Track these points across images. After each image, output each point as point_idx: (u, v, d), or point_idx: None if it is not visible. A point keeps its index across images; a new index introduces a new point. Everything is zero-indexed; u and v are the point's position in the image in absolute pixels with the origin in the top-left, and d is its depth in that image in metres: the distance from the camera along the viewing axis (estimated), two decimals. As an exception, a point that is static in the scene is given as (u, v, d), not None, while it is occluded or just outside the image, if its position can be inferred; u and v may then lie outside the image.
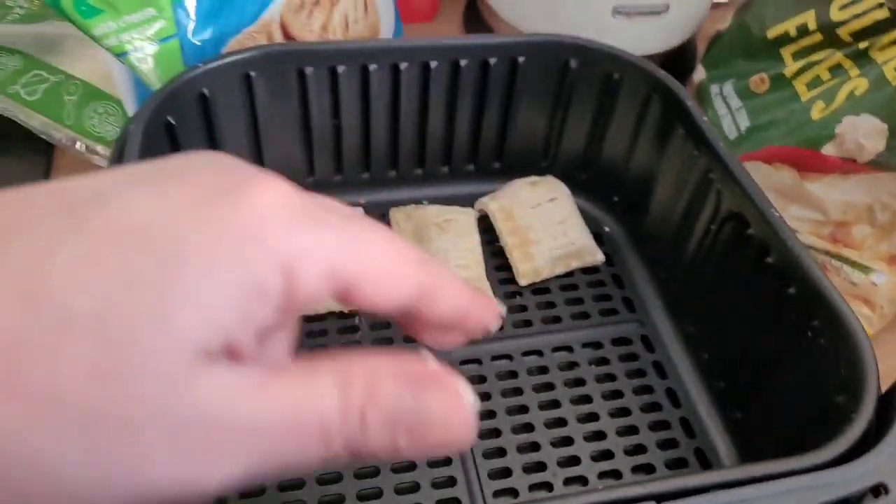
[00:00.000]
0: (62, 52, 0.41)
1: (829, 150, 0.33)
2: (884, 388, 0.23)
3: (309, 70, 0.33)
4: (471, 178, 0.39)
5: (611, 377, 0.33)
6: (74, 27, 0.37)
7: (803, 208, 0.35)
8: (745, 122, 0.37)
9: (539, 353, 0.34)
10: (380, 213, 0.39)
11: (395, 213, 0.38)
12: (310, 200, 0.15)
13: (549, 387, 0.33)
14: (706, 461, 0.31)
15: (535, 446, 0.31)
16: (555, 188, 0.38)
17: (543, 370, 0.33)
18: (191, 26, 0.34)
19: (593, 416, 0.32)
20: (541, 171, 0.39)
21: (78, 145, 0.39)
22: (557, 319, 0.35)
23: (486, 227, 0.38)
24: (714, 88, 0.40)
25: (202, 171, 0.14)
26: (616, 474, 0.30)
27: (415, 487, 0.29)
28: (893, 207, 0.33)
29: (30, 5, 0.43)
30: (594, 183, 0.39)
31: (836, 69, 0.35)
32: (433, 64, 0.34)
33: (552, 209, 0.37)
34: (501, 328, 0.35)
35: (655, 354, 0.34)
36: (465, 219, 0.37)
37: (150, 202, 0.13)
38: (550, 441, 0.31)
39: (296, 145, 0.36)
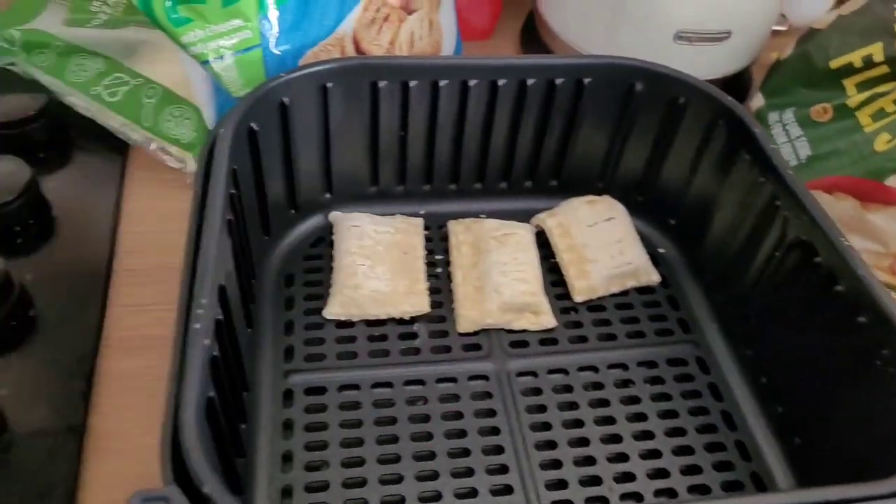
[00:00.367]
0: (140, 56, 0.43)
1: (892, 181, 0.34)
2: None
3: (382, 84, 0.35)
4: (528, 194, 0.40)
5: (666, 397, 0.34)
6: (152, 34, 0.39)
7: (864, 239, 0.35)
8: (805, 151, 0.38)
9: (594, 369, 0.34)
10: (438, 225, 0.40)
11: (454, 226, 0.39)
12: None
13: (605, 403, 0.33)
14: (762, 485, 0.31)
15: (590, 460, 0.31)
16: (612, 208, 0.38)
17: (598, 386, 0.34)
18: (273, 38, 0.35)
19: (649, 435, 0.32)
20: (597, 192, 0.40)
21: (153, 146, 0.41)
22: (612, 337, 0.36)
23: (542, 243, 0.39)
24: (773, 116, 0.40)
25: None
26: (671, 493, 0.30)
27: (473, 493, 0.30)
28: (956, 241, 0.33)
29: (113, 11, 0.45)
30: (650, 205, 0.40)
31: (901, 102, 0.35)
32: (501, 82, 0.35)
33: (610, 228, 0.38)
34: (557, 342, 0.35)
35: (711, 376, 0.34)
36: (523, 233, 0.38)
37: None
38: (606, 456, 0.31)
39: (362, 155, 0.38)
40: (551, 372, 0.34)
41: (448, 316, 0.36)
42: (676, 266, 0.39)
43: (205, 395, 0.24)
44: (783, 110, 0.40)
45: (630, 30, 0.41)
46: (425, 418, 0.32)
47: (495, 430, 0.32)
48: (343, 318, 0.35)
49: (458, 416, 0.32)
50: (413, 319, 0.35)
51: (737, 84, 0.46)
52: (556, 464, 0.31)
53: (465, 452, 0.31)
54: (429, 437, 0.31)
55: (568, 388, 0.33)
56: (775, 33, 0.45)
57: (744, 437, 0.32)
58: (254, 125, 0.32)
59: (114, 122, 0.41)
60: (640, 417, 0.33)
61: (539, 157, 0.39)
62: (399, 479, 0.30)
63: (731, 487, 0.31)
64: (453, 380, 0.33)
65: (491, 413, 0.32)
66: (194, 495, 0.21)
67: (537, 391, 0.33)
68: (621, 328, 0.36)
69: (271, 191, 0.35)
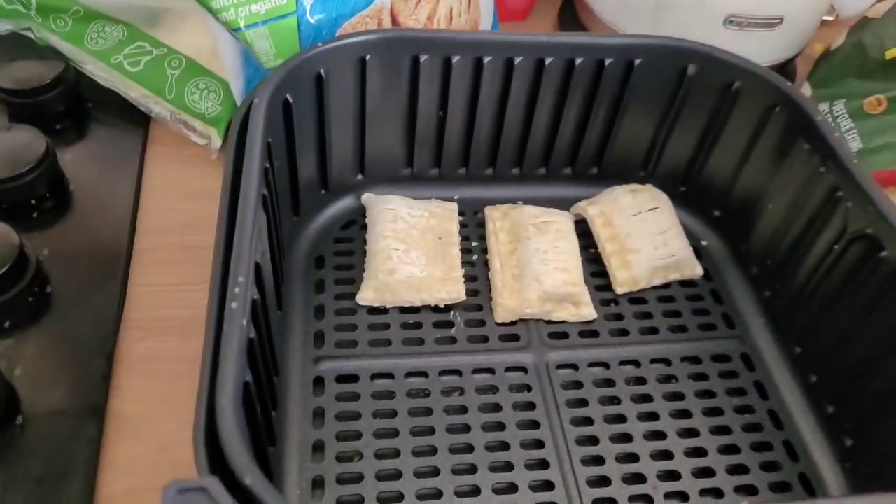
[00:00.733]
0: (163, 25, 0.41)
1: (951, 177, 0.32)
2: None
3: (424, 58, 0.33)
4: (567, 181, 0.39)
5: (710, 394, 0.32)
6: (176, 0, 0.38)
7: (919, 235, 0.33)
8: (856, 144, 0.36)
9: (636, 363, 0.33)
10: (473, 211, 0.38)
11: (492, 211, 0.37)
12: None
13: (648, 398, 0.32)
14: (810, 487, 0.30)
15: (633, 457, 0.30)
16: (656, 197, 0.37)
17: (641, 381, 0.32)
18: (309, 5, 0.34)
19: (693, 432, 0.31)
20: (639, 181, 0.38)
21: (175, 120, 0.39)
22: (654, 331, 0.34)
23: (581, 232, 0.37)
24: (822, 108, 0.39)
25: None
26: (717, 493, 0.29)
27: (512, 488, 0.28)
28: None
29: (134, -22, 0.43)
30: (694, 196, 0.38)
31: (959, 95, 0.34)
32: (548, 61, 0.34)
33: (653, 218, 0.36)
34: (598, 335, 0.34)
35: (756, 373, 0.33)
36: (564, 221, 0.36)
37: None
38: (650, 453, 0.30)
39: (398, 135, 0.36)
40: (592, 365, 0.33)
41: (485, 305, 0.34)
42: (720, 259, 0.37)
43: (241, 379, 0.22)
44: (833, 102, 0.38)
45: (678, 11, 0.40)
46: (462, 410, 0.30)
47: (535, 424, 0.30)
48: (377, 305, 0.33)
49: (497, 408, 0.31)
50: (448, 307, 0.34)
51: (781, 75, 0.45)
52: (598, 460, 0.30)
53: (504, 446, 0.29)
54: (466, 429, 0.30)
55: (609, 383, 0.32)
56: (822, 24, 0.44)
57: (791, 437, 0.31)
58: (289, 97, 0.31)
59: (135, 93, 0.40)
60: (684, 414, 0.31)
61: (581, 143, 0.37)
62: (435, 472, 0.28)
63: (779, 488, 0.30)
64: (491, 371, 0.32)
65: (530, 406, 0.31)
66: (231, 486, 0.19)
67: (578, 384, 0.32)
68: (663, 321, 0.35)
69: (303, 169, 0.34)
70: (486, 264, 0.36)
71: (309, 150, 0.34)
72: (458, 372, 0.32)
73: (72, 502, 0.26)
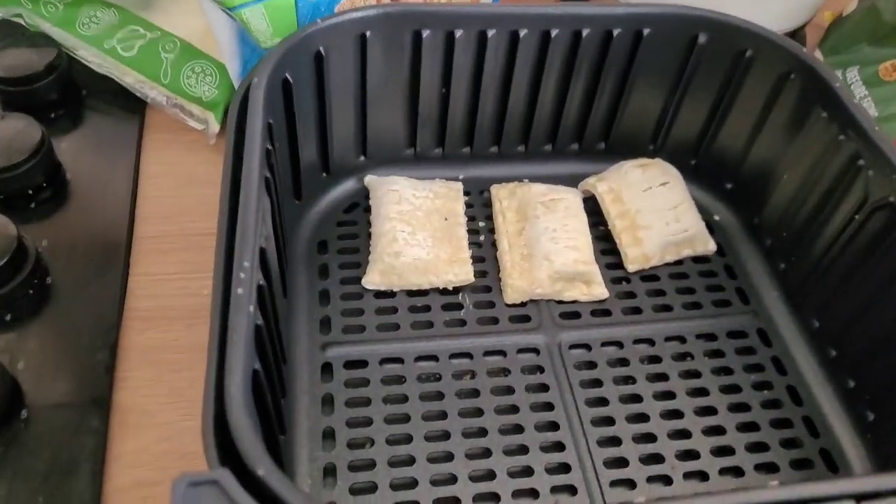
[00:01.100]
0: (155, 7, 0.40)
1: (972, 142, 0.31)
2: None
3: (426, 33, 0.32)
4: (574, 157, 0.38)
5: (727, 371, 0.32)
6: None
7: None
8: (871, 112, 0.35)
9: (650, 341, 0.32)
10: (479, 190, 0.37)
11: (498, 190, 0.36)
12: None
13: (663, 377, 0.31)
14: (832, 463, 0.29)
15: (650, 437, 0.29)
16: (667, 171, 0.36)
17: (656, 359, 0.32)
18: (306, -18, 0.32)
19: (711, 410, 0.30)
20: (647, 155, 0.38)
21: (172, 105, 0.38)
22: (668, 308, 0.34)
23: (590, 210, 0.36)
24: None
25: None
26: (738, 471, 0.29)
27: (528, 471, 0.28)
28: None
29: (124, -41, 0.42)
30: (705, 169, 0.37)
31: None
32: (554, 32, 0.33)
33: (664, 193, 0.35)
34: (610, 314, 0.33)
35: (773, 349, 0.32)
36: (572, 198, 0.35)
37: None
38: (667, 433, 0.29)
39: (401, 114, 0.35)
40: (605, 345, 0.32)
41: (493, 286, 0.34)
42: (733, 233, 0.36)
43: (250, 367, 0.22)
44: (846, 69, 0.37)
45: (684, -20, 0.38)
46: (474, 393, 0.30)
47: (548, 406, 0.30)
48: (383, 288, 0.32)
49: (509, 390, 0.30)
50: (456, 289, 0.33)
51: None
52: (615, 441, 0.29)
53: (518, 429, 0.29)
54: (478, 412, 0.29)
55: (623, 362, 0.32)
56: (831, -11, 0.43)
57: (811, 413, 0.30)
58: (288, 76, 0.30)
59: (129, 78, 0.39)
60: (701, 392, 0.31)
61: (588, 118, 0.36)
62: (449, 457, 0.28)
63: (801, 465, 0.29)
64: (502, 353, 0.31)
65: (543, 388, 0.30)
66: (243, 477, 0.19)
67: (591, 365, 0.31)
68: (677, 299, 0.34)
69: (304, 151, 0.33)
70: (493, 244, 0.35)
71: (310, 131, 0.33)
72: (468, 355, 0.31)
73: (79, 496, 0.26)
